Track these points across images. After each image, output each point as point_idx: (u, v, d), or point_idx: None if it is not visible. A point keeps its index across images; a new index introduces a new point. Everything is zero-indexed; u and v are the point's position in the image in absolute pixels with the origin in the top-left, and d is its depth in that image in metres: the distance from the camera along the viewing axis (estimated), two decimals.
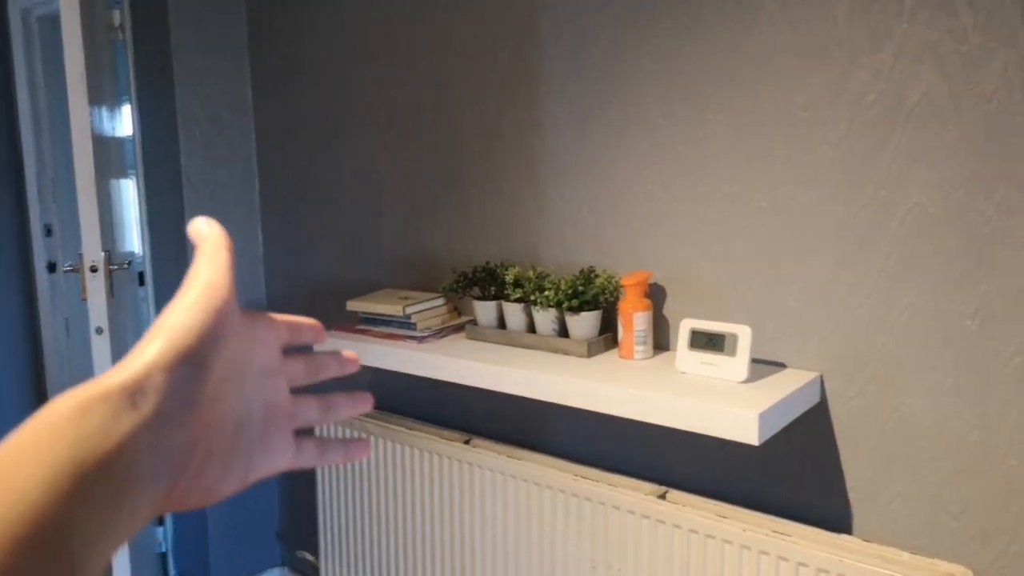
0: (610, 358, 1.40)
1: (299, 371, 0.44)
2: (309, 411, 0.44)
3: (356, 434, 1.83)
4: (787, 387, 1.19)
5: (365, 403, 0.47)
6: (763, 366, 1.31)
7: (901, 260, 1.18)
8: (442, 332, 1.63)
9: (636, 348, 1.37)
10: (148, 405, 0.32)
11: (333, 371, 0.46)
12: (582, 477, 1.43)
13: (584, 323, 1.41)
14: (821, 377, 1.27)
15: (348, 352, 0.47)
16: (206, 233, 0.39)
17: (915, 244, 1.17)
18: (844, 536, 1.22)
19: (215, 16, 2.17)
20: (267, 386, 0.41)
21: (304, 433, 0.44)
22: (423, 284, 1.85)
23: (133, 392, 0.32)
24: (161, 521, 2.43)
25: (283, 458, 0.41)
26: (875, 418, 1.23)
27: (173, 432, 0.33)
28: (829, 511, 1.29)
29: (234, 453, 0.38)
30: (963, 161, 1.11)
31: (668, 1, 1.37)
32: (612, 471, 1.51)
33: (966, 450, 1.15)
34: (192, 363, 0.34)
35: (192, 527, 2.33)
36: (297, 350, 0.45)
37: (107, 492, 0.29)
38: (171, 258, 2.27)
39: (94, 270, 1.84)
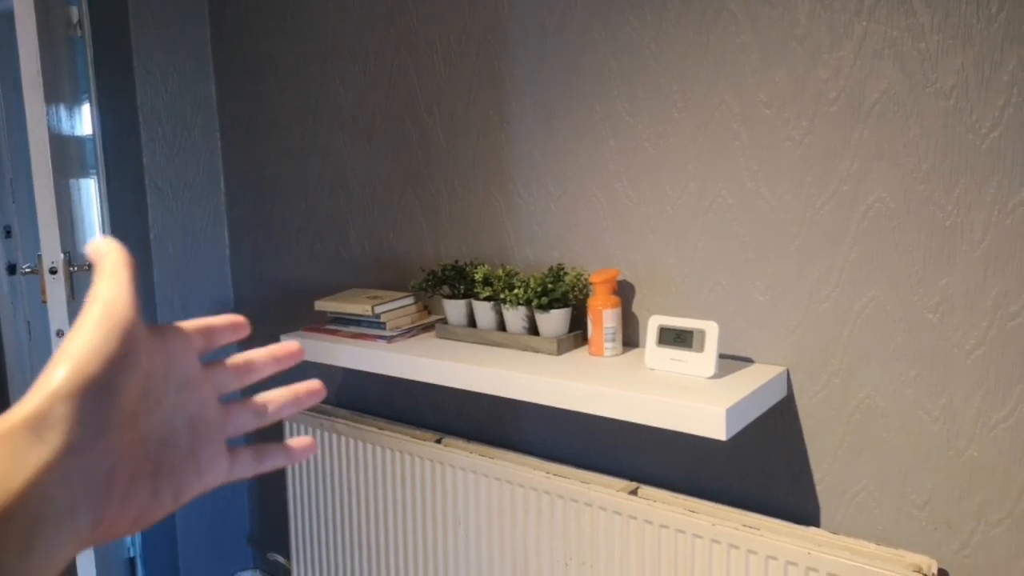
0: (580, 355, 1.40)
1: (226, 377, 0.42)
2: (242, 418, 0.42)
3: (326, 434, 1.81)
4: (754, 382, 1.20)
5: (311, 396, 0.44)
6: (731, 361, 1.32)
7: (864, 254, 1.20)
8: (412, 331, 1.62)
9: (605, 345, 1.37)
10: (55, 437, 0.30)
11: (268, 369, 0.43)
12: (554, 474, 1.44)
13: (554, 321, 1.41)
14: (788, 371, 1.29)
15: (287, 344, 0.44)
16: (104, 251, 0.38)
17: (877, 239, 1.18)
18: (812, 529, 1.24)
19: (176, 12, 2.13)
20: (188, 399, 0.39)
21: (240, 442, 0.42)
22: (392, 283, 1.84)
23: (37, 426, 0.30)
24: None
25: (216, 472, 0.39)
26: (841, 411, 1.25)
27: (87, 461, 0.31)
28: (797, 504, 1.31)
29: (161, 474, 0.36)
30: (923, 157, 1.13)
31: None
32: (583, 468, 1.51)
33: (929, 441, 1.17)
34: (99, 387, 0.32)
35: (161, 531, 2.29)
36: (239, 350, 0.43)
37: (12, 539, 0.28)
38: (135, 259, 2.23)
39: (53, 272, 1.79)
